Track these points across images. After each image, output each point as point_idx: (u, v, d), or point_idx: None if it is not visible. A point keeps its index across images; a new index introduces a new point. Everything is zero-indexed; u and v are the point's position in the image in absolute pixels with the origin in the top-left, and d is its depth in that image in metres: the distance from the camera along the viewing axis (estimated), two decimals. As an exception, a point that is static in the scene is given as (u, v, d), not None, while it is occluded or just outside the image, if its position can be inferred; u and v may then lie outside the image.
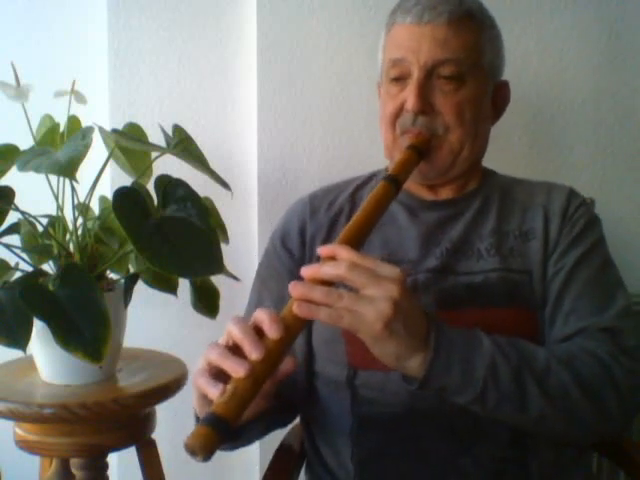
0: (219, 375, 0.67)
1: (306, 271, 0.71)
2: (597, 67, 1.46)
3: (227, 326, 0.69)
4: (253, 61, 1.38)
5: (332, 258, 0.71)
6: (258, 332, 0.67)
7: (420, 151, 0.93)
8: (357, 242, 0.76)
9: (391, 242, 0.98)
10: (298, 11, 1.38)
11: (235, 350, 0.67)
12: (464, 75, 0.93)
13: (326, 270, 0.70)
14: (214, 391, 0.65)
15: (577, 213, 0.96)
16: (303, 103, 1.40)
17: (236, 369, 0.64)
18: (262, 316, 0.67)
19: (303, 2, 1.38)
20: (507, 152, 1.42)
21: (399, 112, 0.95)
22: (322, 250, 0.73)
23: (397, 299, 0.68)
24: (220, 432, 0.61)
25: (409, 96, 0.92)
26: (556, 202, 0.97)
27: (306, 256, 1.01)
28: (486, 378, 0.75)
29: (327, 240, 0.99)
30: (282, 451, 1.07)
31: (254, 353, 0.65)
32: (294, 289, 0.69)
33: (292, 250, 1.01)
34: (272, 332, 0.66)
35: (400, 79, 0.95)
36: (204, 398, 0.69)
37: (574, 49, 1.45)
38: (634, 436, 1.41)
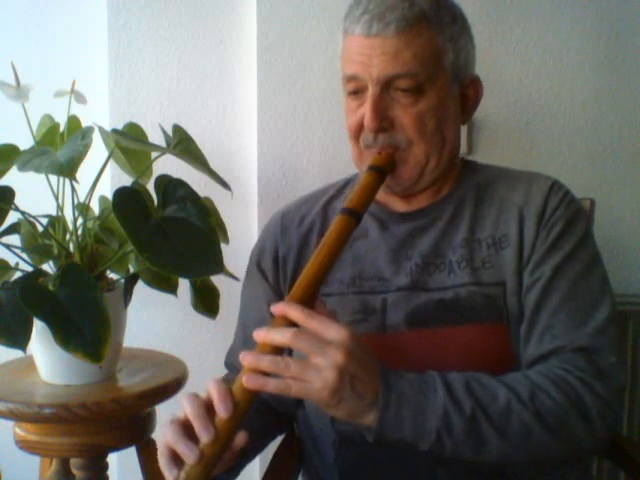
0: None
1: (257, 335, 0.72)
2: (597, 67, 1.46)
3: (182, 401, 0.71)
4: (253, 61, 1.38)
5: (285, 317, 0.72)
6: (211, 408, 0.69)
7: (382, 170, 0.89)
8: (315, 285, 0.77)
9: (362, 258, 0.96)
10: (298, 11, 1.38)
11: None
12: (422, 85, 0.88)
13: (274, 337, 0.71)
14: (169, 476, 0.69)
15: (555, 215, 0.90)
16: (303, 103, 1.40)
17: (187, 455, 0.67)
18: (212, 392, 0.69)
19: (303, 2, 1.38)
20: (507, 152, 1.42)
21: (360, 127, 0.92)
22: (274, 309, 0.74)
23: (342, 366, 0.69)
24: None
25: (366, 114, 0.89)
26: (533, 202, 0.91)
27: (280, 277, 1.01)
28: (439, 429, 0.74)
29: (298, 260, 0.99)
30: (282, 451, 1.07)
31: (203, 435, 0.67)
32: (244, 359, 0.70)
33: (266, 272, 1.02)
34: (221, 411, 0.68)
35: (358, 92, 0.91)
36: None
37: (574, 49, 1.45)
38: (634, 436, 1.41)
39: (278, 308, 0.73)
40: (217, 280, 1.23)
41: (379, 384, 0.73)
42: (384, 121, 0.89)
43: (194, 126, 1.35)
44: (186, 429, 0.70)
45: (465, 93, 0.96)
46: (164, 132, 1.16)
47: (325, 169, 1.41)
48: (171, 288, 1.20)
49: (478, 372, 0.80)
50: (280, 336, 0.70)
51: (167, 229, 1.00)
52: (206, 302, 1.23)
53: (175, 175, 1.10)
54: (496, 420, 0.76)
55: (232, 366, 1.04)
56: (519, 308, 0.88)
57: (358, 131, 0.93)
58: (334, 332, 0.70)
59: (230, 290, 1.25)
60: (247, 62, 1.41)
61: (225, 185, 1.16)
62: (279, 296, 0.99)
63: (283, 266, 1.00)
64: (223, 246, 1.07)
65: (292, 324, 0.72)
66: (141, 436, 1.17)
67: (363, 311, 0.92)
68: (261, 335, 0.72)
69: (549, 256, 0.88)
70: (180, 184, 1.07)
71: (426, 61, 0.88)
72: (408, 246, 0.94)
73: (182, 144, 1.14)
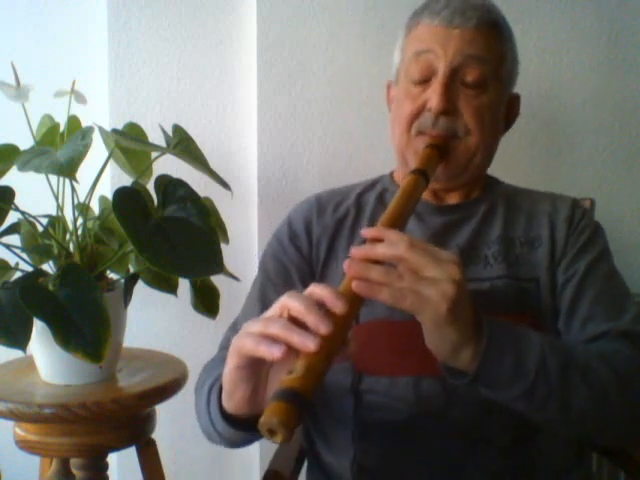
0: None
1: (358, 251, 0.67)
2: (597, 67, 1.46)
3: (281, 301, 0.64)
4: (253, 61, 1.38)
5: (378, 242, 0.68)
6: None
7: (440, 150, 0.92)
8: (398, 229, 0.73)
9: None
10: (298, 11, 1.38)
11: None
12: (486, 81, 0.93)
13: (382, 250, 0.67)
14: (275, 351, 0.60)
15: (582, 222, 0.96)
16: (303, 103, 1.40)
17: (307, 343, 0.59)
18: (322, 292, 0.63)
19: (303, 2, 1.38)
20: (507, 152, 1.41)
21: (419, 113, 0.94)
22: (368, 232, 0.69)
23: (459, 281, 0.66)
24: (298, 408, 0.55)
25: (433, 96, 0.91)
26: (561, 211, 0.97)
27: (313, 256, 0.99)
28: (537, 369, 0.72)
29: (331, 244, 0.99)
30: (282, 451, 1.07)
31: (323, 327, 0.60)
32: (350, 267, 0.65)
33: (301, 248, 1.00)
34: (338, 307, 0.62)
35: (423, 81, 0.94)
36: (243, 370, 0.66)
37: (574, 49, 1.45)
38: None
39: (373, 231, 0.69)
40: (217, 280, 1.23)
41: (482, 315, 0.71)
42: (450, 104, 0.91)
43: (194, 126, 1.36)
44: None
45: (509, 107, 1.01)
46: (164, 132, 1.16)
47: (325, 169, 1.41)
48: (171, 288, 1.20)
49: None
50: (392, 249, 0.66)
51: (167, 229, 1.00)
52: (206, 302, 1.23)
53: (175, 175, 1.10)
54: (582, 371, 0.76)
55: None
56: (552, 304, 0.91)
57: (414, 117, 0.94)
58: (445, 253, 0.68)
59: (230, 290, 1.25)
60: (247, 62, 1.41)
61: (225, 185, 1.16)
62: (311, 272, 0.98)
63: (317, 247, 1.00)
64: (223, 246, 1.07)
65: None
66: (141, 436, 1.17)
67: None
68: (363, 251, 0.67)
69: (580, 257, 0.93)
70: (180, 184, 1.07)
71: (494, 59, 0.94)
72: (444, 237, 0.96)
73: (182, 144, 1.14)
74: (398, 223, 0.75)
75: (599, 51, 1.45)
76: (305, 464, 1.05)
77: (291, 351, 0.60)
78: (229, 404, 0.72)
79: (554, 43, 1.44)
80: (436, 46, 0.92)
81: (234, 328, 1.01)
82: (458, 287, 0.65)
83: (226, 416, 0.75)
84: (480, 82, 0.92)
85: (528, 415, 0.78)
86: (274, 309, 0.65)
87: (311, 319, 0.61)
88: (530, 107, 1.43)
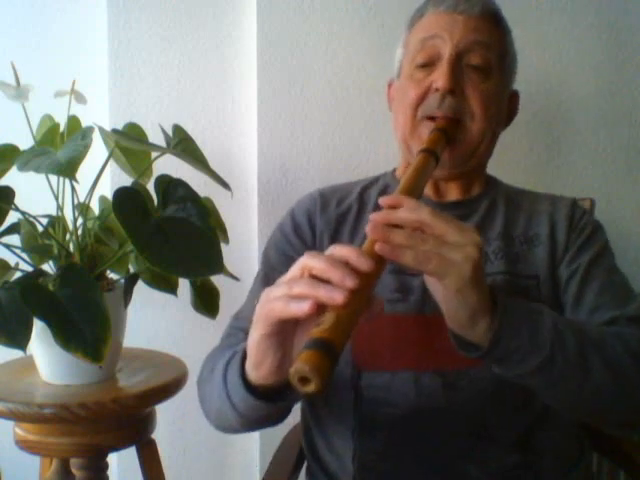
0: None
1: (378, 215, 0.66)
2: (597, 67, 1.46)
3: (301, 261, 0.64)
4: (253, 61, 1.38)
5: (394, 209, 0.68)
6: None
7: (447, 133, 0.91)
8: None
9: None
10: (298, 11, 1.38)
11: None
12: (491, 67, 0.94)
13: (405, 214, 0.66)
14: (304, 306, 0.59)
15: (583, 220, 0.97)
16: (303, 103, 1.40)
17: (334, 296, 0.58)
18: (346, 251, 0.62)
19: (303, 2, 1.38)
20: (507, 152, 1.42)
21: (425, 96, 0.94)
22: (385, 200, 0.69)
23: (481, 246, 0.66)
24: (330, 357, 0.54)
25: (439, 76, 0.92)
26: (561, 210, 0.98)
27: (316, 248, 0.99)
28: (553, 341, 0.72)
29: (334, 237, 0.99)
30: (282, 451, 1.07)
31: (349, 281, 0.59)
32: (372, 230, 0.65)
33: (305, 239, 1.00)
34: (363, 265, 0.61)
35: (428, 65, 0.95)
36: (271, 337, 0.65)
37: (574, 49, 1.45)
38: (634, 436, 1.41)
39: (390, 199, 0.68)
40: (217, 280, 1.23)
41: (494, 288, 0.72)
42: (456, 84, 0.92)
43: (194, 126, 1.36)
44: None
45: (509, 102, 1.02)
46: (164, 132, 1.16)
47: (325, 169, 1.41)
48: (171, 288, 1.20)
49: None
50: (415, 213, 0.66)
51: (167, 229, 1.00)
52: (206, 302, 1.23)
53: (175, 175, 1.10)
54: (598, 346, 0.76)
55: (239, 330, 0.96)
56: (553, 301, 0.92)
57: (420, 100, 0.95)
58: (463, 223, 0.68)
59: (230, 290, 1.25)
60: (247, 62, 1.41)
61: (225, 185, 1.16)
62: None
63: (320, 240, 1.00)
64: (223, 246, 1.07)
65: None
66: (141, 436, 1.17)
67: (401, 291, 0.92)
68: (384, 214, 0.66)
69: (582, 253, 0.94)
70: (180, 184, 1.07)
71: (497, 47, 0.96)
72: None
73: (182, 144, 1.14)
74: (413, 195, 0.74)
75: (599, 51, 1.45)
76: (304, 465, 1.05)
77: (319, 308, 0.59)
78: (257, 374, 0.70)
79: (554, 43, 1.44)
80: (442, 31, 0.94)
81: (237, 317, 1.00)
82: (480, 251, 0.66)
83: (248, 387, 0.73)
84: (485, 67, 0.94)
85: (542, 394, 0.77)
86: (293, 271, 0.64)
87: (337, 274, 0.59)
88: (530, 107, 1.43)
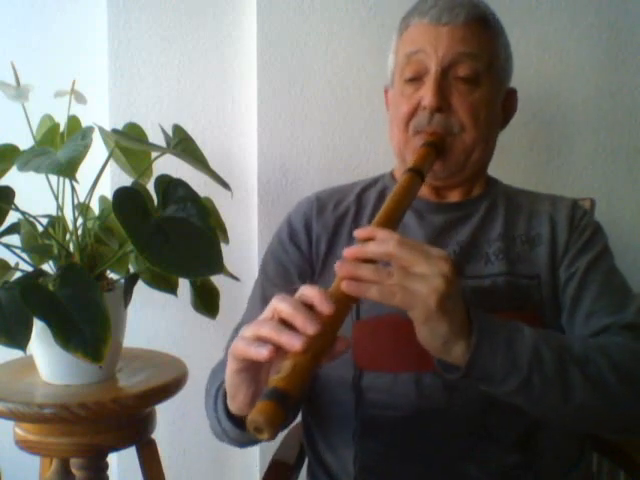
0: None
1: (349, 251, 0.68)
2: (597, 67, 1.46)
3: (272, 304, 0.65)
4: (253, 61, 1.38)
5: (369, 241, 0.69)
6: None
7: (437, 147, 0.92)
8: (391, 228, 0.74)
9: None
10: (298, 11, 1.38)
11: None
12: (479, 76, 0.93)
13: (373, 248, 0.67)
14: (263, 351, 0.61)
15: (583, 221, 0.97)
16: (303, 103, 1.40)
17: (293, 343, 0.60)
18: (311, 293, 0.64)
19: (303, 2, 1.38)
20: (507, 152, 1.42)
21: (414, 112, 0.95)
22: (359, 232, 0.70)
23: (449, 276, 0.66)
24: (284, 406, 0.57)
25: (426, 93, 0.92)
26: (562, 211, 0.98)
27: (313, 254, 1.00)
28: (531, 362, 0.72)
29: (331, 241, 0.99)
30: (282, 451, 1.07)
31: (310, 327, 0.60)
32: (340, 268, 0.66)
33: (300, 246, 1.00)
34: (324, 308, 0.62)
35: (415, 79, 0.95)
36: (241, 373, 0.67)
37: (574, 49, 1.45)
38: (634, 438, 1.41)
39: (364, 232, 0.70)
40: (217, 280, 1.23)
41: (472, 310, 0.72)
42: (443, 101, 0.92)
43: (194, 126, 1.36)
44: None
45: (505, 101, 1.01)
46: (164, 132, 1.16)
47: (325, 169, 1.41)
48: (171, 288, 1.20)
49: None
50: (381, 247, 0.67)
51: (167, 229, 1.00)
52: (206, 302, 1.23)
53: (175, 175, 1.10)
54: (578, 361, 0.76)
55: None
56: (553, 301, 0.92)
57: (411, 115, 0.95)
58: (434, 250, 0.68)
59: (230, 290, 1.25)
60: (247, 62, 1.41)
61: (225, 185, 1.16)
62: (311, 270, 0.99)
63: (317, 245, 1.00)
64: (223, 246, 1.07)
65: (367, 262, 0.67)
66: (141, 436, 1.17)
67: None
68: (354, 250, 0.68)
69: (582, 255, 0.94)
70: (180, 184, 1.07)
71: (485, 54, 0.94)
72: (446, 234, 0.97)
73: (182, 144, 1.14)
74: (391, 222, 0.76)
75: (599, 50, 1.45)
76: (304, 465, 1.05)
77: (281, 352, 0.61)
78: (232, 406, 0.74)
79: (554, 43, 1.44)
80: (426, 45, 0.93)
81: (237, 329, 1.00)
82: (447, 282, 0.66)
83: (232, 417, 0.77)
84: (472, 77, 0.93)
85: (527, 410, 0.78)
86: (266, 312, 0.66)
87: (298, 320, 0.62)
88: (530, 107, 1.43)
